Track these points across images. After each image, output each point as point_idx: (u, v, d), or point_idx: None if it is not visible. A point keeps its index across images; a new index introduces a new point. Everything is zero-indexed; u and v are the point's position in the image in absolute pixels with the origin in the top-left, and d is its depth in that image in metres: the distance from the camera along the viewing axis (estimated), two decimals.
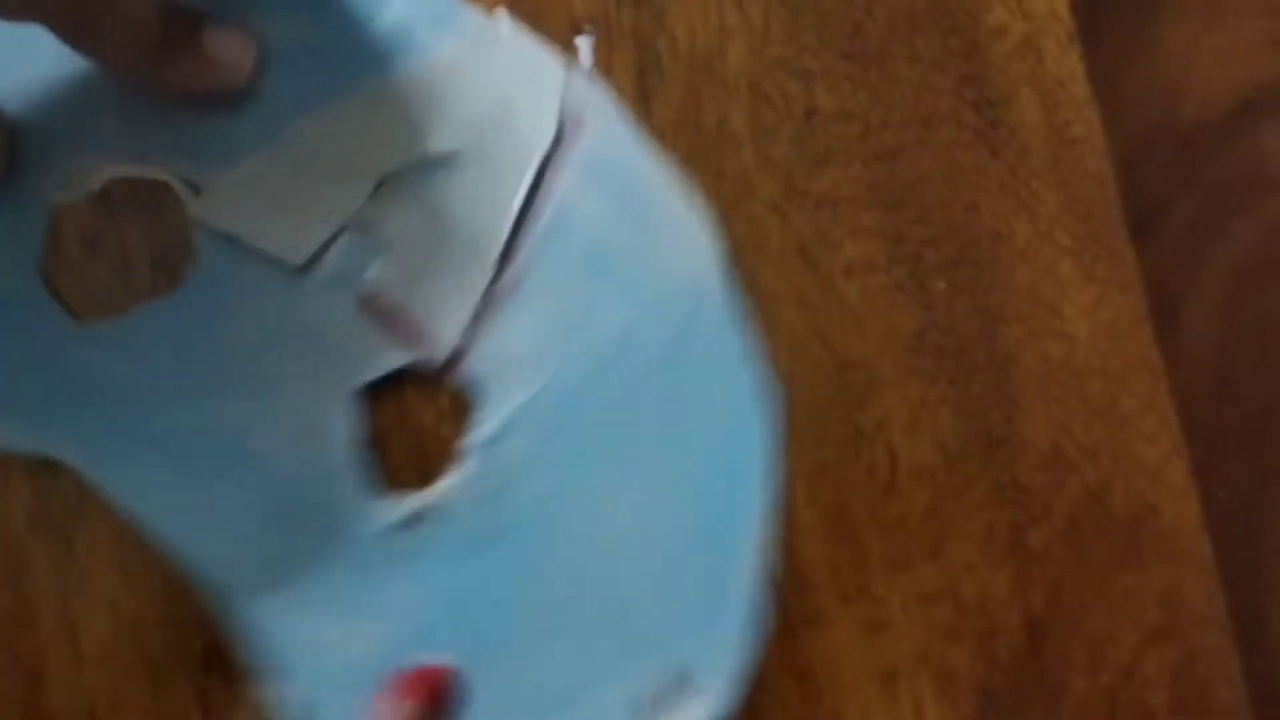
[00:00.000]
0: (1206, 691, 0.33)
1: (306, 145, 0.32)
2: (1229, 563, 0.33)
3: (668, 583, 0.31)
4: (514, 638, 0.31)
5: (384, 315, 0.32)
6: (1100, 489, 0.33)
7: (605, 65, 0.35)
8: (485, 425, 0.32)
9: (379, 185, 0.32)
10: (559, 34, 0.35)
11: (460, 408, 0.32)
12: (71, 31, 0.28)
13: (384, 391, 0.32)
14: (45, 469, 0.30)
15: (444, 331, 0.32)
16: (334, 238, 0.32)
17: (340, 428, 0.31)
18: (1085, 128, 0.35)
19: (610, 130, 0.33)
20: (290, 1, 0.32)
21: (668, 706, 0.31)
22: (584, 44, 0.35)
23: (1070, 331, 0.34)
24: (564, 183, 0.33)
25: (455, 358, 0.32)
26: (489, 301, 0.32)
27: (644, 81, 0.35)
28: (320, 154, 0.32)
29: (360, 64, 0.32)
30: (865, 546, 0.33)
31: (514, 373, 0.32)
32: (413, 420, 0.32)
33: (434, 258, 0.32)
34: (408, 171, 0.32)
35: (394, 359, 0.32)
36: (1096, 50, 0.36)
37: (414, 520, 0.31)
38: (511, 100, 0.33)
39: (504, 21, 0.33)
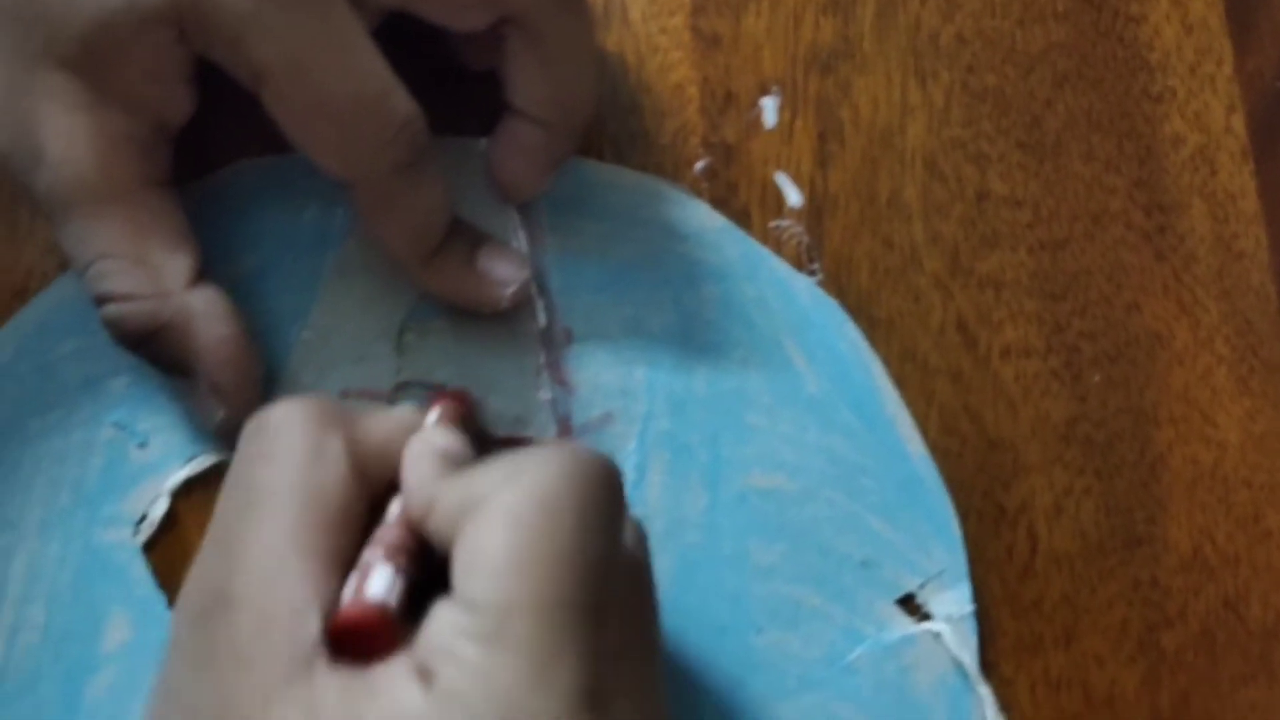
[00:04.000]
0: None
1: None
2: None
3: (860, 512, 0.33)
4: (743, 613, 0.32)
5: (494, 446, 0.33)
6: (1237, 599, 0.34)
7: (788, 128, 0.36)
8: (625, 472, 0.33)
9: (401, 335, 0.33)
10: (747, 93, 0.36)
11: None
12: (369, 204, 0.30)
13: None
14: None
15: (536, 417, 0.33)
16: None
17: None
18: (1252, 242, 0.36)
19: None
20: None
21: (931, 598, 0.33)
22: (769, 104, 0.36)
23: (1221, 439, 0.34)
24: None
25: (562, 431, 0.33)
26: (553, 365, 0.33)
27: (824, 147, 0.36)
28: None
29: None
30: (997, 625, 0.33)
31: (617, 403, 0.33)
32: None
33: (483, 370, 0.33)
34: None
35: None
36: (1268, 168, 0.37)
37: None
38: None
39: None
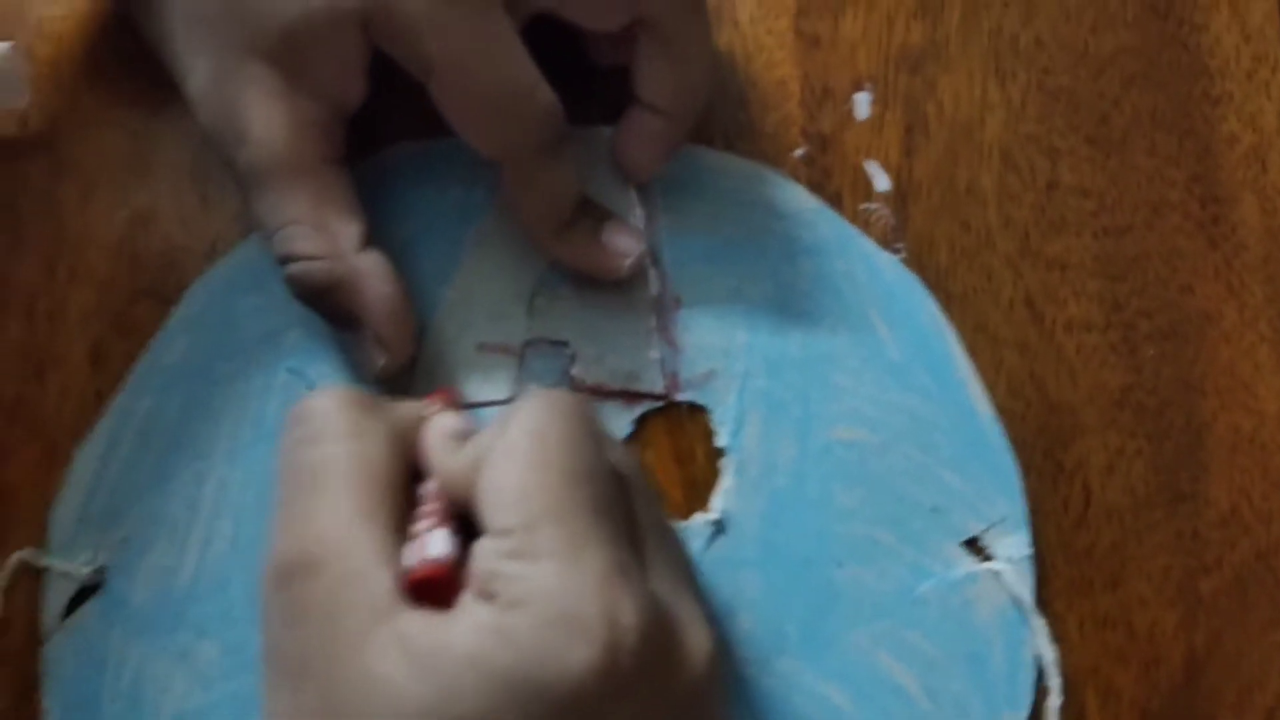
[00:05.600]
0: None
1: None
2: None
3: (932, 464, 0.37)
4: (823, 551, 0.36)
5: (594, 395, 0.37)
6: (1269, 551, 0.37)
7: (878, 121, 0.40)
8: (725, 422, 0.37)
9: (533, 299, 0.37)
10: (842, 89, 0.40)
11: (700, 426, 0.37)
12: (516, 174, 0.34)
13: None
14: None
15: (647, 373, 0.37)
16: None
17: None
18: None
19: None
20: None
21: (993, 542, 0.37)
22: (862, 99, 0.40)
23: (1261, 409, 0.38)
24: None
25: (669, 386, 0.37)
26: (664, 327, 0.37)
27: (910, 138, 0.40)
28: None
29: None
30: (1051, 569, 0.37)
31: (719, 362, 0.37)
32: (665, 451, 0.37)
33: (602, 330, 0.37)
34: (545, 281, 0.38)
35: (625, 416, 0.37)
36: None
37: (716, 533, 0.36)
38: None
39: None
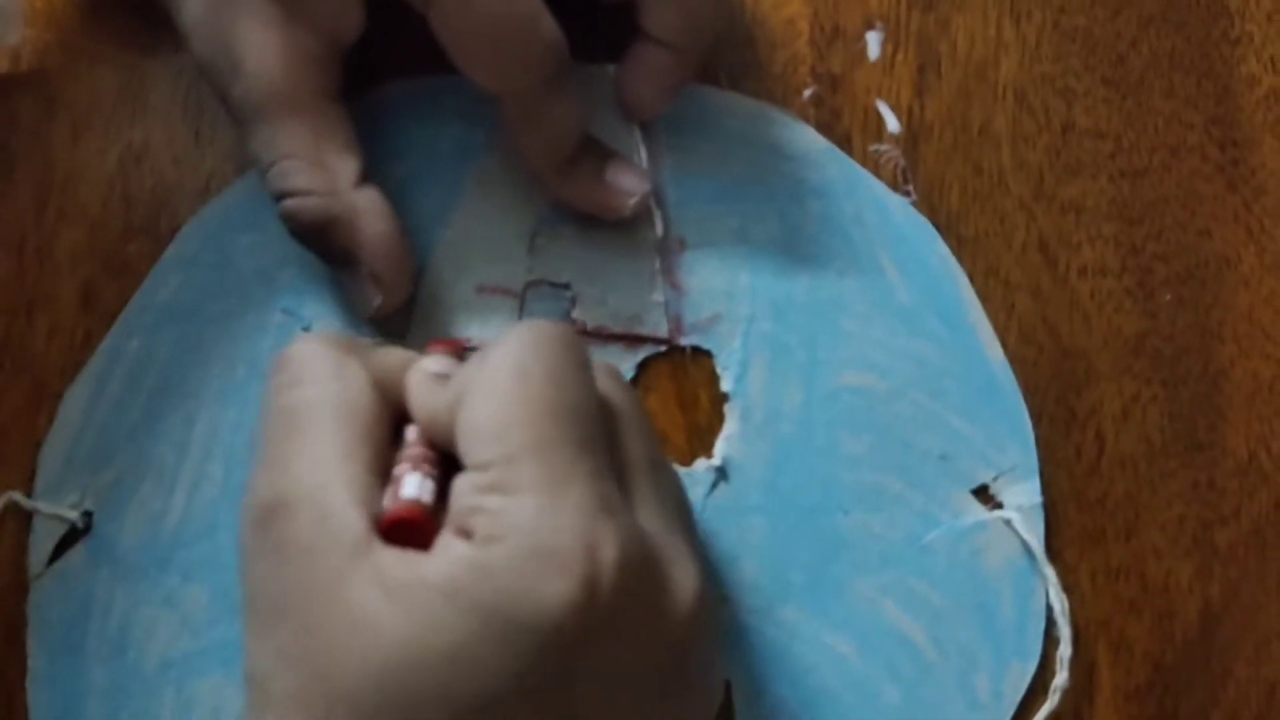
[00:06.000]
0: None
1: None
2: None
3: (942, 410, 0.36)
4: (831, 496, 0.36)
5: (596, 338, 0.36)
6: None
7: (889, 60, 0.39)
8: (729, 367, 0.36)
9: (533, 239, 0.37)
10: (853, 27, 0.39)
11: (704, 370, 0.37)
12: (516, 115, 0.34)
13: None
14: None
15: (650, 316, 0.36)
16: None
17: None
18: None
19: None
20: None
21: (1003, 490, 0.36)
22: (873, 38, 0.39)
23: None
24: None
25: (673, 330, 0.37)
26: (668, 269, 0.37)
27: (922, 78, 0.39)
28: None
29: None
30: (1063, 518, 0.36)
31: (724, 306, 0.37)
32: (668, 395, 0.37)
33: (605, 272, 0.37)
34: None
35: (628, 360, 0.36)
36: None
37: (719, 479, 0.35)
38: None
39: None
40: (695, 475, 0.36)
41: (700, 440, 0.36)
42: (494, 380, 0.27)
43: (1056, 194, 0.38)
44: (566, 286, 0.37)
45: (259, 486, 0.27)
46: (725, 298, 0.37)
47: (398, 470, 0.27)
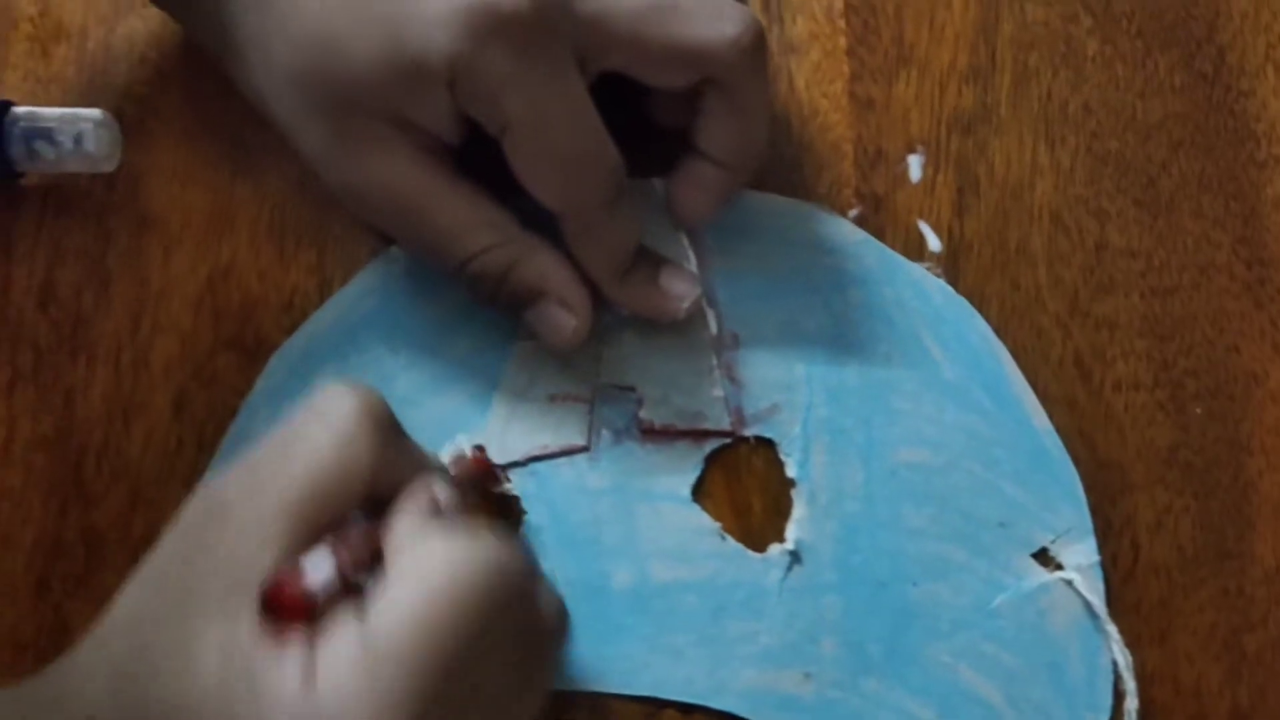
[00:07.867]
0: None
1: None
2: None
3: (996, 479, 0.38)
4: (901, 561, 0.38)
5: (663, 436, 0.39)
6: None
7: (930, 182, 0.41)
8: (792, 453, 0.38)
9: (599, 347, 0.39)
10: (895, 151, 0.41)
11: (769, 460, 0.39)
12: (579, 226, 0.36)
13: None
14: None
15: (713, 411, 0.39)
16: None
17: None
18: None
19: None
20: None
21: (1062, 551, 0.38)
22: (914, 161, 0.41)
23: None
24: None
25: (735, 422, 0.39)
26: (725, 365, 0.39)
27: (961, 199, 0.41)
28: None
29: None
30: None
31: (781, 395, 0.39)
32: (736, 485, 0.39)
33: (666, 372, 0.39)
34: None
35: (694, 455, 0.39)
36: None
37: (793, 562, 0.38)
38: None
39: None
40: (771, 560, 0.38)
41: (771, 526, 0.38)
42: (417, 603, 0.27)
43: (1091, 310, 0.40)
44: (632, 389, 0.39)
45: (229, 479, 0.29)
46: (782, 388, 0.39)
47: (327, 540, 0.28)
